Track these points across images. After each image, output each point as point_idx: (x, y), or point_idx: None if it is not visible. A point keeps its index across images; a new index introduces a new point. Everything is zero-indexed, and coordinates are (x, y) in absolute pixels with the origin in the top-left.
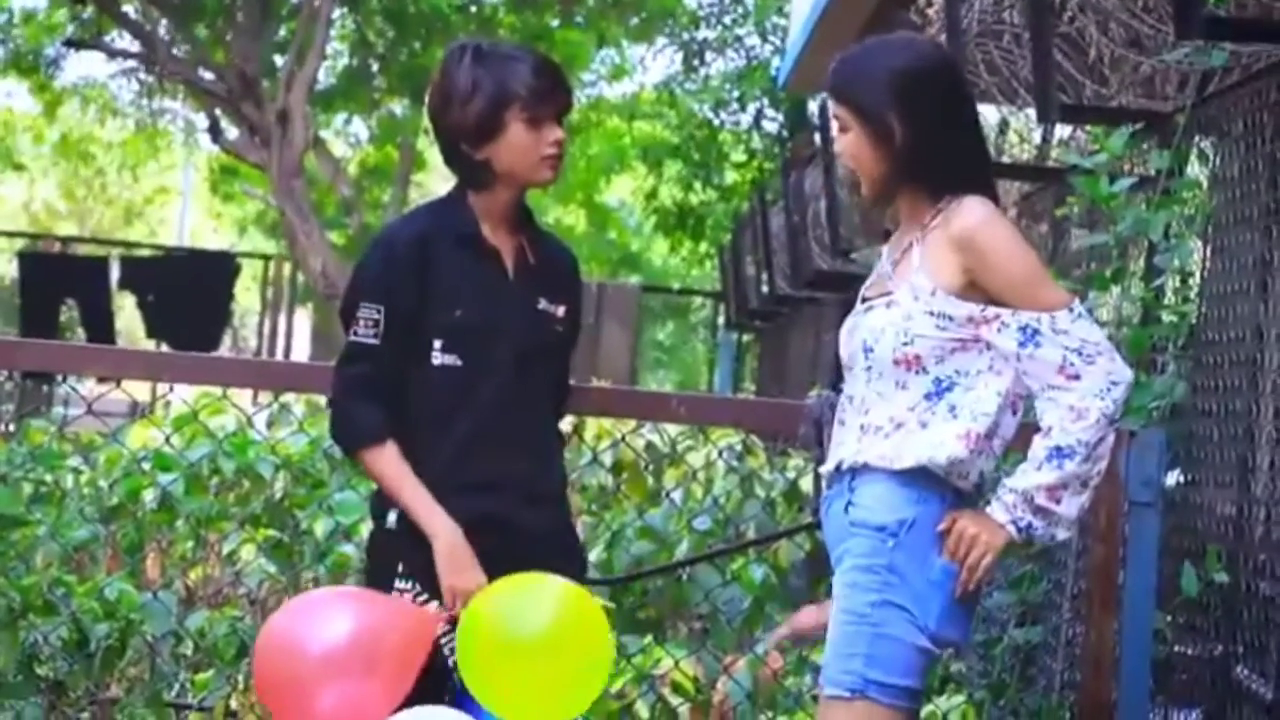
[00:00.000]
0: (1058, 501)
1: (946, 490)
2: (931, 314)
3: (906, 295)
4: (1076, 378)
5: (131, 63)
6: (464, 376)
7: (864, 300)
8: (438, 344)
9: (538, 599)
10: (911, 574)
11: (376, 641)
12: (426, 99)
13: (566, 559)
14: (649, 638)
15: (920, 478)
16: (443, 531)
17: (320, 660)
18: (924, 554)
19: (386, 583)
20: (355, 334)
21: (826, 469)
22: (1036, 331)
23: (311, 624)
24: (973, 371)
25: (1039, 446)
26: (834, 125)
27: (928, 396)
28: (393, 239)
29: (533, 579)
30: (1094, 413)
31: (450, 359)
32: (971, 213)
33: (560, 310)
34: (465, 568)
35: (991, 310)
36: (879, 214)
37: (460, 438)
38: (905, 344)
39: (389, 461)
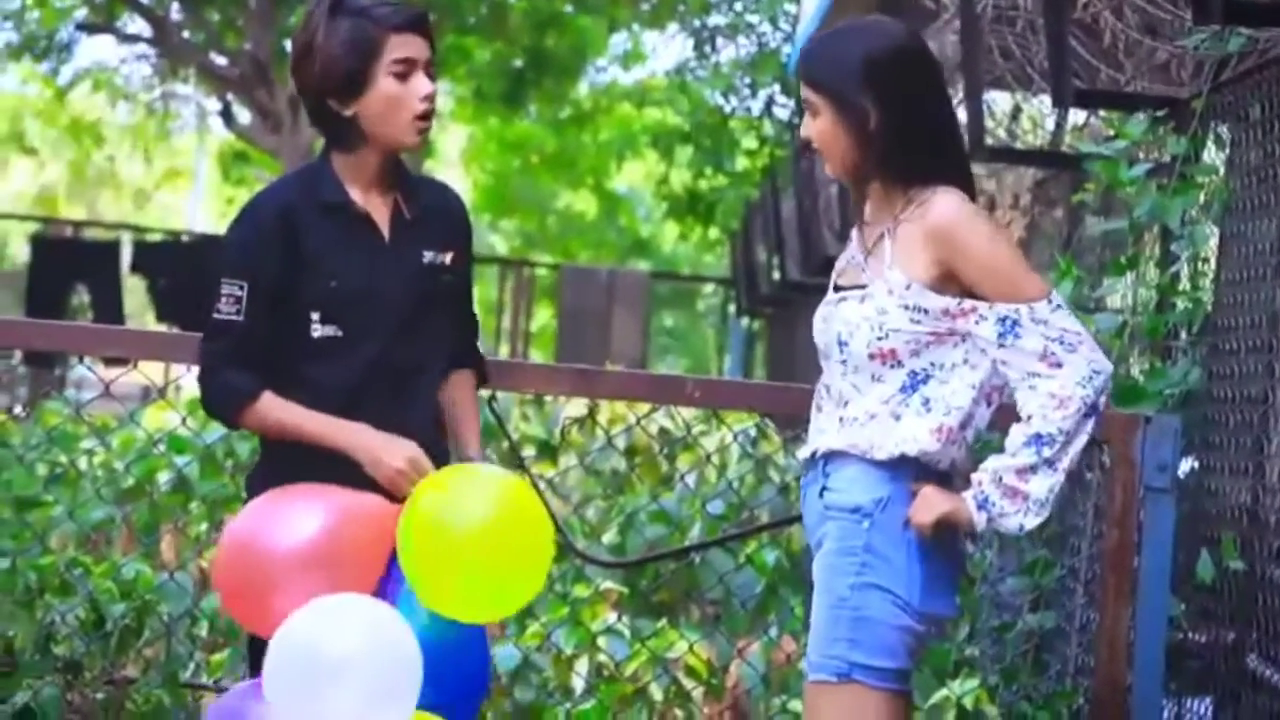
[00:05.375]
0: (1026, 481)
1: (920, 471)
2: (906, 308)
3: (881, 289)
4: (1059, 365)
5: (143, 47)
6: (345, 345)
7: (837, 289)
8: (315, 316)
9: (474, 492)
10: (889, 553)
11: (336, 541)
12: (291, 53)
13: None
14: (663, 621)
15: (894, 461)
16: (350, 435)
17: (279, 563)
18: (900, 531)
19: None
20: (218, 311)
21: (803, 456)
22: (1016, 323)
23: (270, 527)
24: (948, 364)
25: (1017, 433)
26: (806, 110)
27: (903, 389)
28: (255, 211)
29: (468, 472)
30: (1075, 401)
31: (330, 330)
32: (946, 206)
33: (448, 258)
34: (381, 450)
35: (969, 303)
36: None
37: (343, 405)
38: (880, 339)
39: (271, 409)
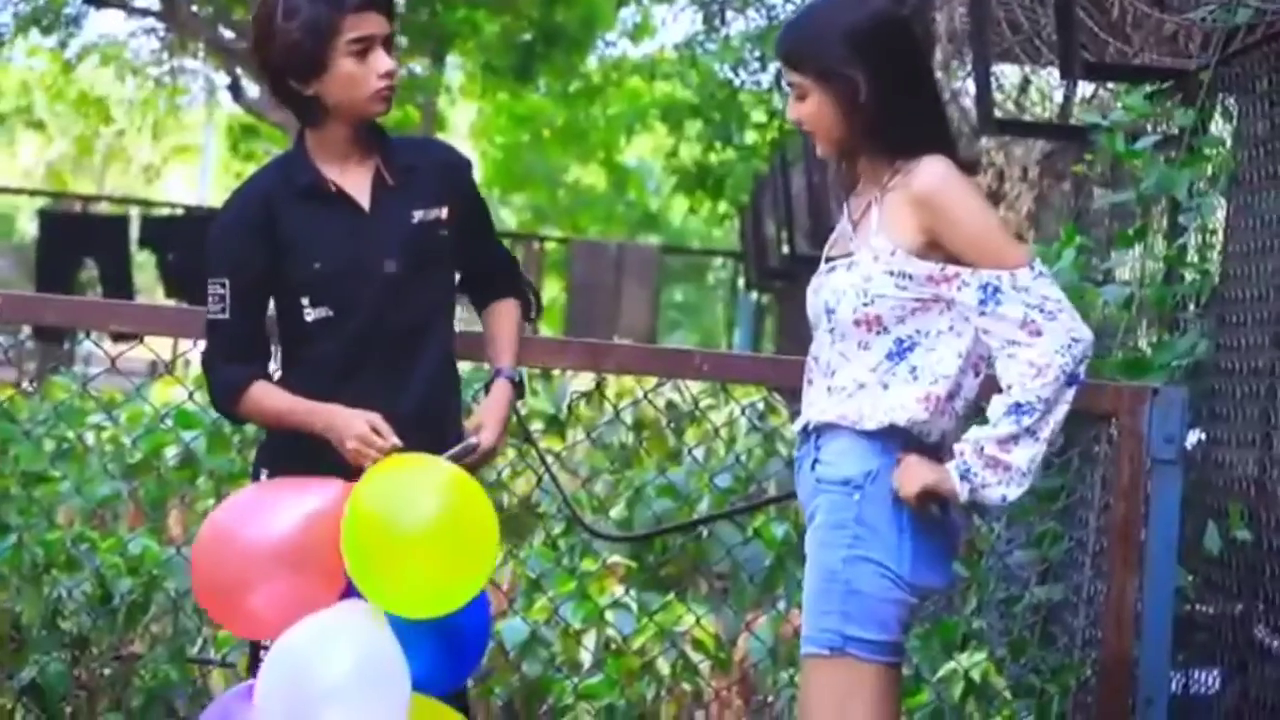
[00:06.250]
0: (1008, 451)
1: (910, 443)
2: (891, 274)
3: (867, 256)
4: (1038, 334)
5: (151, 21)
6: (338, 323)
7: (827, 260)
8: (305, 300)
9: (420, 488)
10: (880, 525)
11: (310, 535)
12: (251, 31)
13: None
14: (670, 595)
15: (884, 432)
16: (322, 418)
17: (253, 559)
18: (890, 504)
19: None
20: (209, 310)
21: (795, 429)
22: (997, 289)
23: (244, 522)
24: (933, 332)
25: (998, 403)
26: (790, 94)
27: (889, 356)
28: (231, 207)
29: (414, 464)
30: (1054, 369)
31: (321, 311)
32: (931, 171)
33: (442, 212)
34: (341, 429)
35: (951, 269)
36: None
37: (335, 380)
38: (866, 304)
39: (261, 397)
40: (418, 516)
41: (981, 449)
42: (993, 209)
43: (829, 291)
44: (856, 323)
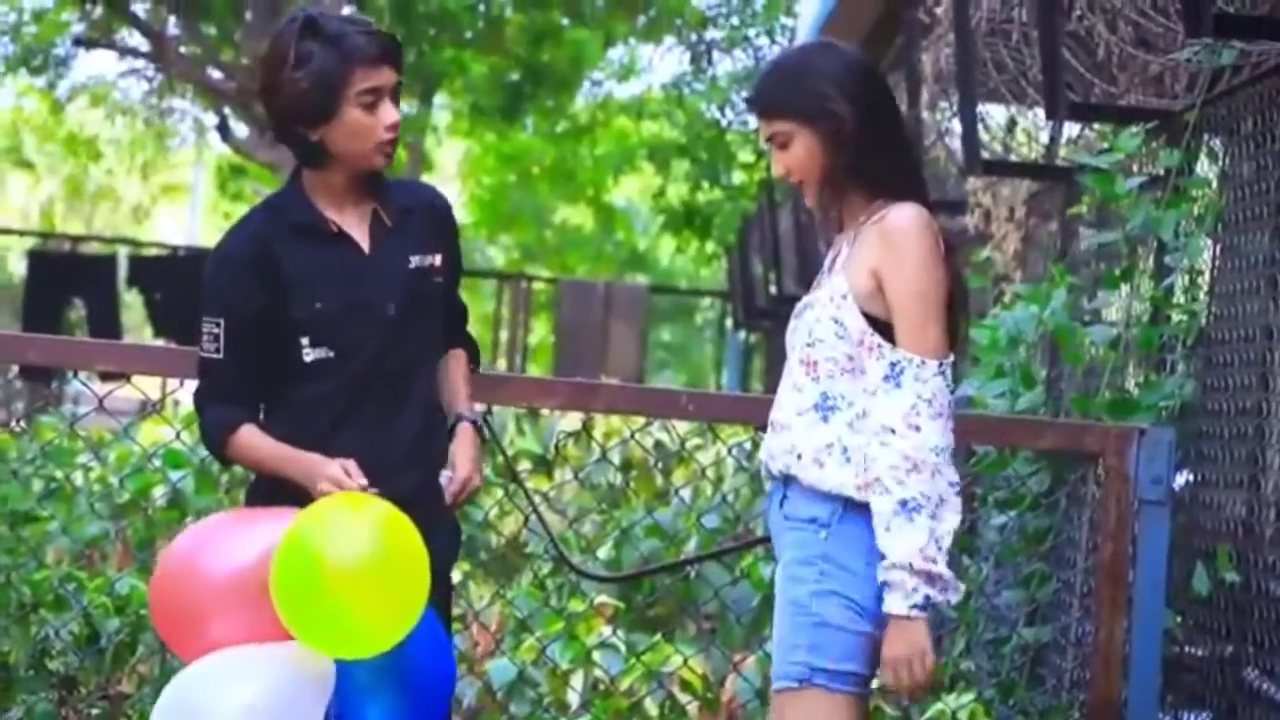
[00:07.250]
0: (934, 561)
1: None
2: (835, 321)
3: (824, 297)
4: (916, 429)
5: (140, 62)
6: (337, 364)
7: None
8: (305, 340)
9: (346, 526)
10: (847, 560)
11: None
12: (258, 72)
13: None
14: (658, 635)
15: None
16: (300, 467)
17: (214, 589)
18: (856, 539)
19: None
20: (202, 349)
21: (762, 471)
22: (902, 372)
23: (207, 552)
24: (859, 409)
25: (884, 508)
26: (772, 149)
27: (815, 408)
28: (227, 246)
29: (345, 503)
30: (928, 467)
31: (320, 352)
32: (907, 214)
33: (436, 259)
34: (314, 478)
35: (876, 339)
36: None
37: (331, 422)
38: (809, 345)
39: (248, 440)
40: (340, 554)
41: (911, 566)
42: (940, 288)
43: (794, 332)
44: (800, 361)
